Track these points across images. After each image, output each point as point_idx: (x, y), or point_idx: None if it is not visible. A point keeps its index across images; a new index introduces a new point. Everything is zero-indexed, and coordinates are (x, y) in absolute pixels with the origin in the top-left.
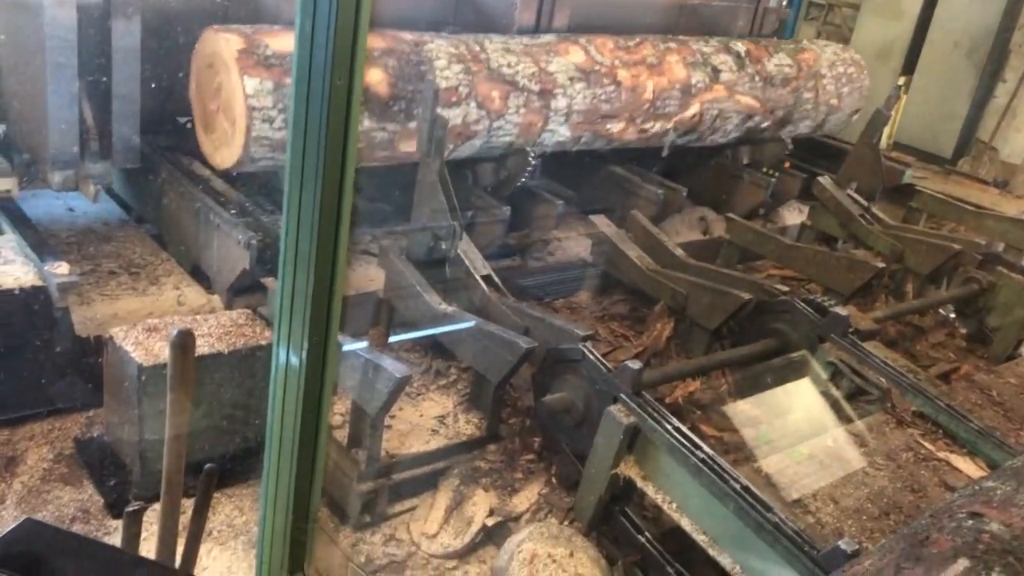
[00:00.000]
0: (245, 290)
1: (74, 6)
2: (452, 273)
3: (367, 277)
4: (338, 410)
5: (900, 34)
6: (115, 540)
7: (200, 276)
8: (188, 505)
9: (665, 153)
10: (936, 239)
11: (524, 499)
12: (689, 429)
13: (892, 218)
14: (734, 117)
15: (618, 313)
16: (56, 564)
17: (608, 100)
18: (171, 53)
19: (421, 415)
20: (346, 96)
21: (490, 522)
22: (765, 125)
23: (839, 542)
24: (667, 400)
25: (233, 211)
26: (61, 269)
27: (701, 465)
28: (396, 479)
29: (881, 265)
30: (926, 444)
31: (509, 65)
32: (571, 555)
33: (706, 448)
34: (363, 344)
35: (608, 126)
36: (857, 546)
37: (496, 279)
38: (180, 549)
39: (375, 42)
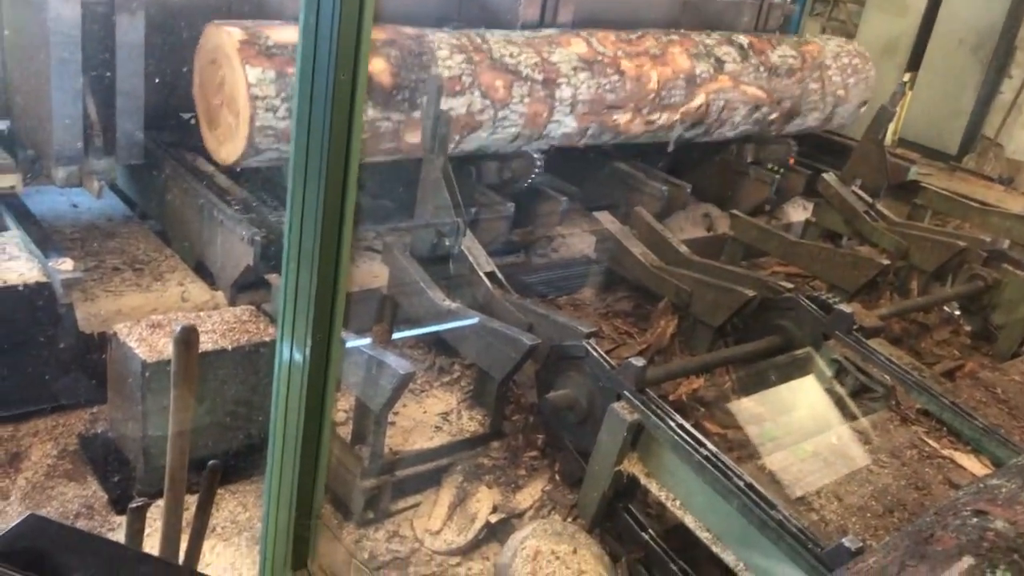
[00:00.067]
0: (249, 286)
1: (78, 2)
2: (456, 270)
3: (371, 274)
4: (342, 407)
5: (905, 30)
6: (119, 536)
7: (204, 272)
8: (192, 501)
9: (671, 148)
10: (941, 236)
11: (528, 496)
12: (693, 426)
13: (897, 215)
14: (741, 108)
15: (622, 310)
16: (60, 560)
17: (613, 90)
18: (175, 49)
19: (425, 412)
20: (350, 91)
21: (493, 519)
22: (773, 117)
23: (843, 539)
24: (671, 397)
25: (237, 207)
26: (65, 265)
27: (705, 462)
28: (399, 476)
29: (886, 262)
30: (930, 441)
31: (511, 55)
32: (574, 552)
33: (710, 445)
34: (367, 341)
35: (614, 117)
36: (861, 544)
37: (500, 276)
38: (184, 545)
39: (376, 34)
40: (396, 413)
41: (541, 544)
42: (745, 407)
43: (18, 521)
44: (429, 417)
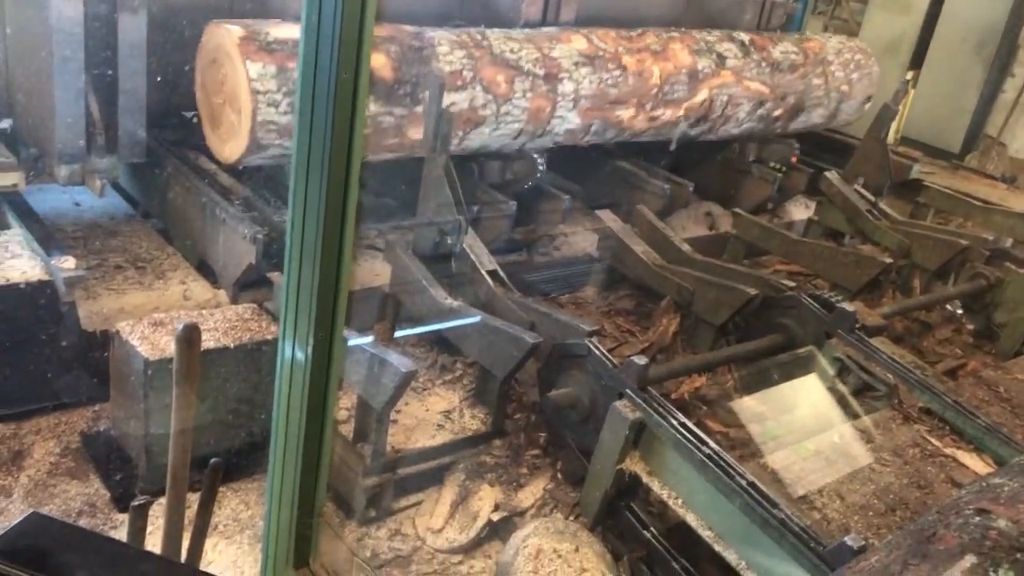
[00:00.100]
0: (251, 284)
1: (80, 0)
2: (458, 268)
3: (373, 272)
4: (344, 405)
5: (908, 28)
6: (121, 534)
7: (206, 270)
8: (194, 499)
9: (673, 147)
10: (943, 235)
11: (530, 494)
12: (695, 425)
13: (899, 213)
14: (745, 104)
15: (624, 308)
16: (62, 558)
17: (615, 84)
18: (177, 47)
19: (427, 410)
20: (352, 90)
21: (495, 517)
22: (777, 113)
23: (845, 538)
24: (673, 396)
25: (239, 205)
26: (67, 263)
27: (707, 461)
28: (401, 474)
29: (888, 261)
30: (933, 440)
31: (512, 51)
32: (576, 550)
33: (712, 444)
34: (369, 339)
35: (618, 112)
36: (863, 542)
37: (502, 274)
38: (186, 543)
39: (377, 31)
40: (398, 411)
41: (543, 542)
42: (747, 405)
43: (20, 519)
44: (431, 415)
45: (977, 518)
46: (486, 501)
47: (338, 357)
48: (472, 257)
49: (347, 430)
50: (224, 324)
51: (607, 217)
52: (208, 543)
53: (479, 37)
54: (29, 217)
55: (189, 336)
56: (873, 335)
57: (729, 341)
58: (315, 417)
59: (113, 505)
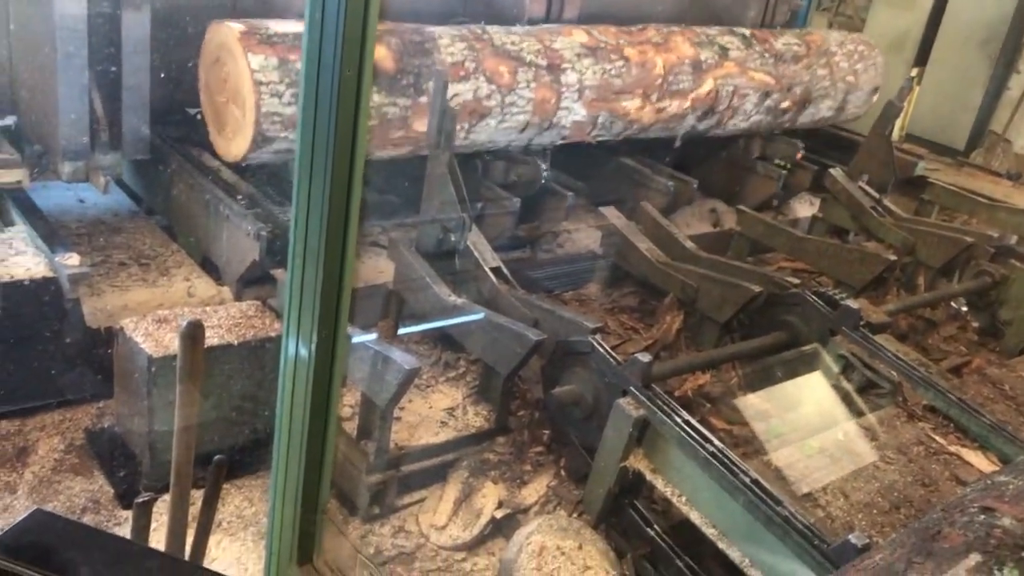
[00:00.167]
0: (255, 281)
1: None
2: (461, 265)
3: (376, 269)
4: (347, 402)
5: (913, 25)
6: (125, 531)
7: (210, 267)
8: (197, 496)
9: (677, 144)
10: (948, 232)
11: (533, 491)
12: (699, 422)
13: (904, 210)
14: (751, 95)
15: (628, 305)
16: (66, 555)
17: (619, 75)
18: (181, 44)
19: (430, 407)
20: (356, 88)
21: (499, 514)
22: (785, 105)
23: (849, 536)
24: (677, 393)
25: (243, 202)
26: (72, 260)
27: (711, 458)
28: (405, 471)
29: (893, 258)
30: (937, 438)
31: (513, 43)
32: (580, 547)
33: (716, 441)
34: (372, 336)
35: (624, 103)
36: (868, 540)
37: (505, 271)
38: (190, 540)
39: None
40: (402, 408)
41: (546, 540)
42: (751, 403)
43: (24, 516)
44: (435, 412)
45: (982, 516)
46: (489, 498)
47: (341, 354)
48: (476, 254)
49: (351, 427)
50: (228, 321)
51: (611, 214)
52: (212, 540)
53: (479, 31)
54: (33, 214)
55: (193, 333)
56: (877, 332)
57: (733, 338)
58: (319, 414)
59: (117, 502)
